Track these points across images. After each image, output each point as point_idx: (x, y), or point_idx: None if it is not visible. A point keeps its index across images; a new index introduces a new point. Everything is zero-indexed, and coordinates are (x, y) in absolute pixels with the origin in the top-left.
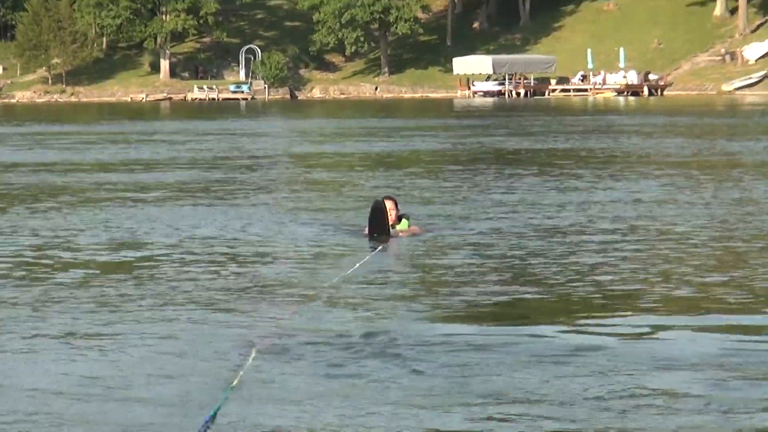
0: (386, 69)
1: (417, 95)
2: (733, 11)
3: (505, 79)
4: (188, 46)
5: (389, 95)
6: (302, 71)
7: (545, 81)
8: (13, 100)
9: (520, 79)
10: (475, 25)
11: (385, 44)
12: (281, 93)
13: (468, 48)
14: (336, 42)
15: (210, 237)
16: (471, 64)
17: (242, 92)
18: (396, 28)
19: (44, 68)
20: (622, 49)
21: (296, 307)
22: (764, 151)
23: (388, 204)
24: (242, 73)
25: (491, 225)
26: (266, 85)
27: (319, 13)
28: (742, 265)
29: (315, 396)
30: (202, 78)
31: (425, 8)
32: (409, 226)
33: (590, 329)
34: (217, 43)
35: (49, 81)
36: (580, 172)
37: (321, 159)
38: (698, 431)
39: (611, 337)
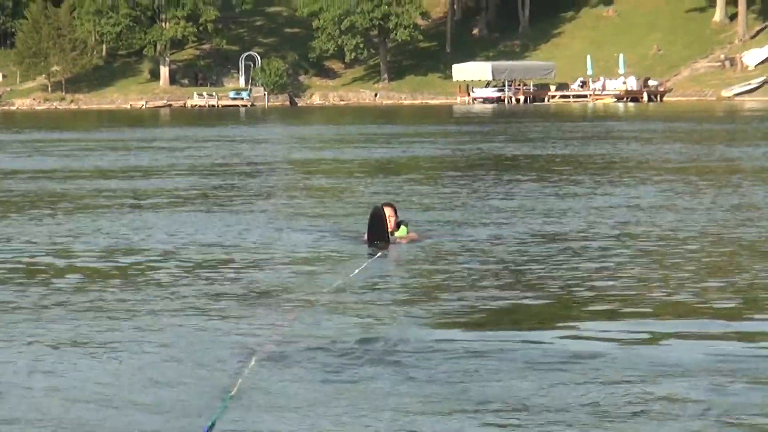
0: (386, 75)
1: (416, 102)
2: (733, 17)
3: (504, 86)
4: (188, 53)
5: (389, 102)
6: (302, 78)
7: (545, 87)
8: (13, 108)
9: (519, 85)
10: (475, 31)
11: (384, 51)
12: (281, 100)
13: (467, 54)
14: (335, 49)
15: (209, 243)
16: (470, 71)
17: (242, 99)
18: (395, 34)
19: (44, 76)
20: (621, 56)
21: (295, 314)
22: (763, 156)
23: (388, 211)
24: (242, 79)
25: (490, 231)
26: (266, 92)
27: (319, 19)
28: (740, 270)
29: (314, 403)
30: (201, 85)
31: (425, 15)
32: (407, 233)
33: (589, 335)
34: (217, 50)
35: (49, 88)
36: (579, 178)
37: (320, 165)
38: None
39: (610, 342)
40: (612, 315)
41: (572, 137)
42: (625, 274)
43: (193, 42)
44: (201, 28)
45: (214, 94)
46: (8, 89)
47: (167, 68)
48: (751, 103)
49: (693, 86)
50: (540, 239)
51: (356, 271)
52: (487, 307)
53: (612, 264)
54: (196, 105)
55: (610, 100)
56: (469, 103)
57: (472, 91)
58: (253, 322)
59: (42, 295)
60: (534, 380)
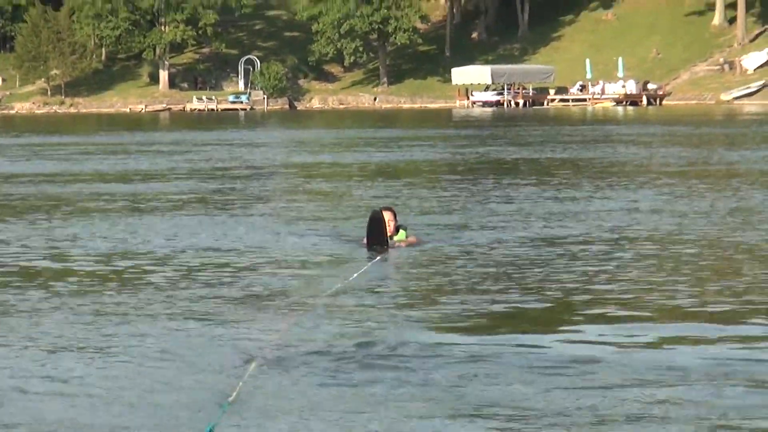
0: (385, 79)
1: (416, 105)
2: (732, 21)
3: (503, 89)
4: (187, 56)
5: (388, 105)
6: (301, 82)
7: (544, 91)
8: (12, 112)
9: (518, 89)
10: (474, 35)
11: (383, 54)
12: (280, 103)
13: (467, 58)
14: (335, 52)
15: (208, 247)
16: (470, 75)
17: (241, 103)
18: (395, 38)
19: (43, 79)
20: (620, 59)
21: (295, 318)
22: (762, 160)
23: (387, 215)
24: (241, 83)
25: (489, 235)
26: (265, 96)
27: (318, 23)
28: (739, 274)
29: (313, 407)
30: (201, 89)
31: (424, 19)
32: (406, 237)
33: (588, 339)
34: (216, 53)
35: (48, 92)
36: (578, 181)
37: (320, 169)
38: None
39: (608, 346)
40: (611, 319)
41: (571, 141)
42: (623, 277)
43: (193, 46)
44: (200, 32)
45: (213, 97)
46: (8, 93)
47: (167, 72)
48: (750, 106)
49: (692, 90)
50: (539, 243)
51: (355, 274)
52: (486, 310)
53: (611, 268)
54: (195, 109)
55: (610, 104)
56: (468, 106)
57: (472, 95)
58: (253, 327)
59: (40, 299)
60: (533, 384)
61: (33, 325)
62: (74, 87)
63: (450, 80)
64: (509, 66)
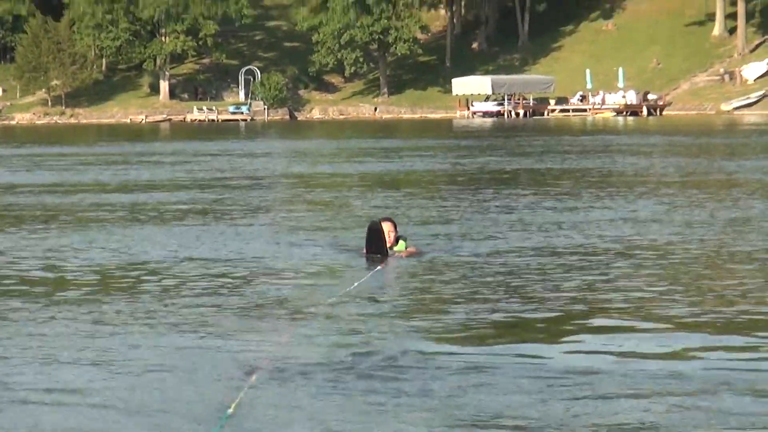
0: (385, 90)
1: (416, 116)
2: (732, 31)
3: (504, 100)
4: (187, 67)
5: (388, 116)
6: (301, 92)
7: (544, 101)
8: (13, 122)
9: (519, 99)
10: (474, 45)
11: (384, 65)
12: (280, 114)
13: (467, 68)
14: (335, 63)
15: (207, 257)
16: (470, 85)
17: (241, 113)
18: (395, 48)
19: (44, 90)
20: (620, 69)
21: (294, 328)
22: (761, 170)
23: (387, 226)
24: (241, 94)
25: (489, 245)
26: (265, 106)
27: (318, 33)
28: (739, 284)
29: (312, 418)
30: (201, 99)
31: (424, 29)
32: (406, 247)
33: (588, 349)
34: (217, 64)
35: (49, 103)
36: (578, 191)
37: (320, 179)
38: None
39: (608, 356)
40: (610, 329)
41: (572, 151)
42: (623, 287)
43: (193, 56)
44: (201, 43)
45: (213, 108)
46: (8, 104)
47: (167, 82)
48: (750, 116)
49: (692, 100)
50: (538, 253)
51: (355, 284)
52: (485, 321)
53: (610, 277)
54: (195, 119)
55: (610, 114)
56: (468, 117)
57: (472, 105)
58: (252, 337)
59: (39, 309)
60: (532, 395)
61: (31, 335)
62: (75, 97)
63: (450, 90)
64: (509, 76)
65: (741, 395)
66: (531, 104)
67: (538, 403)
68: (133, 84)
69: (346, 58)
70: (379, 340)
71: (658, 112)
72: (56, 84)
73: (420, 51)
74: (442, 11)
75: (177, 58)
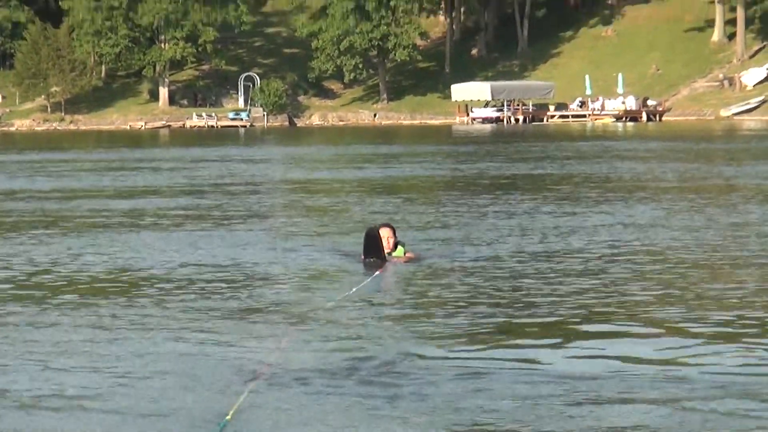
0: (385, 96)
1: (416, 122)
2: (731, 37)
3: (503, 106)
4: (187, 73)
5: (388, 122)
6: (301, 98)
7: (544, 107)
8: (12, 129)
9: (518, 105)
10: (474, 51)
11: (383, 71)
12: (280, 120)
13: (466, 74)
14: (335, 69)
15: (206, 263)
16: (469, 91)
17: (241, 119)
18: (394, 55)
19: (43, 96)
20: (620, 75)
21: (293, 334)
22: (759, 175)
23: (387, 232)
24: (241, 100)
25: (487, 250)
26: (265, 112)
27: (318, 40)
28: (737, 288)
29: (310, 424)
30: (200, 105)
31: (423, 35)
32: (405, 253)
33: (586, 354)
34: (216, 70)
35: (48, 109)
36: (578, 197)
37: (319, 185)
38: None
39: (607, 361)
40: (608, 334)
41: (571, 157)
42: (621, 292)
43: (192, 63)
44: (200, 49)
45: (213, 114)
46: (7, 110)
47: (166, 89)
48: (749, 122)
49: (692, 106)
50: (537, 258)
51: (353, 290)
52: (483, 326)
53: (609, 282)
54: (195, 125)
55: (609, 120)
56: (468, 123)
57: (471, 111)
58: (250, 342)
59: (38, 315)
60: (529, 400)
61: (29, 341)
62: (74, 104)
63: (450, 96)
64: (509, 82)
65: (738, 399)
66: (530, 110)
67: (536, 408)
68: (133, 90)
69: (345, 65)
70: (377, 345)
71: (657, 118)
72: (56, 90)
73: (419, 57)
74: (442, 17)
75: (176, 65)
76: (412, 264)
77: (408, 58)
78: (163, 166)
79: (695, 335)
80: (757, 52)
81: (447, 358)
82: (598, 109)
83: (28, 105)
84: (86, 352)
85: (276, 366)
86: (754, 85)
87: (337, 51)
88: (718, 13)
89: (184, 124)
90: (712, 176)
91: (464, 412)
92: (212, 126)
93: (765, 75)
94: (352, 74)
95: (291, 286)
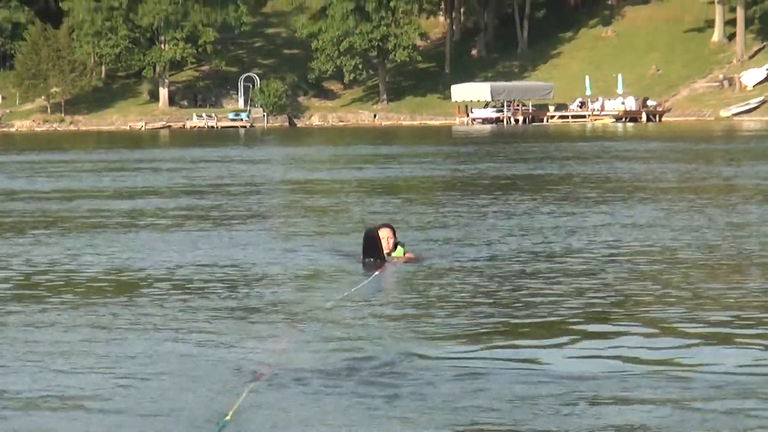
0: (385, 96)
1: (415, 122)
2: (731, 37)
3: (503, 106)
4: (187, 74)
5: (388, 122)
6: (301, 99)
7: (543, 108)
8: (12, 129)
9: (518, 105)
10: (474, 52)
11: (383, 72)
12: (280, 120)
13: (466, 75)
14: (334, 69)
15: (206, 263)
16: (469, 91)
17: (241, 120)
18: (394, 55)
19: (43, 97)
20: (620, 76)
21: (292, 334)
22: (758, 176)
23: (387, 232)
24: (241, 101)
25: (487, 250)
26: (265, 113)
27: (318, 40)
28: (736, 288)
29: (309, 424)
30: (200, 106)
31: (423, 36)
32: (404, 254)
33: (585, 354)
34: (216, 71)
35: (48, 110)
36: (577, 197)
37: (319, 186)
38: None
39: (606, 361)
40: (608, 334)
41: (570, 157)
42: (620, 293)
43: (192, 63)
44: (200, 50)
45: (213, 115)
46: (8, 111)
47: (166, 89)
48: (749, 122)
49: (692, 106)
50: (537, 258)
51: (353, 290)
52: (483, 326)
53: (608, 283)
54: (195, 126)
55: (609, 121)
56: (468, 123)
57: (471, 112)
58: (250, 343)
59: (37, 315)
60: (529, 400)
61: (29, 340)
62: (74, 105)
63: (450, 97)
64: (509, 83)
65: (738, 398)
66: (530, 111)
67: (535, 408)
68: (133, 91)
69: (345, 65)
70: (376, 345)
71: (657, 119)
72: (56, 91)
73: (419, 58)
74: (442, 18)
75: (176, 65)
76: (411, 264)
77: (408, 59)
78: (163, 166)
79: (695, 335)
80: (756, 52)
81: (447, 358)
82: (598, 110)
83: (28, 106)
84: (86, 352)
85: (275, 366)
86: (753, 86)
87: (337, 52)
88: (718, 14)
89: (184, 125)
90: (711, 176)
91: (464, 412)
92: (212, 126)
93: (765, 75)
94: (352, 75)
95: (290, 287)
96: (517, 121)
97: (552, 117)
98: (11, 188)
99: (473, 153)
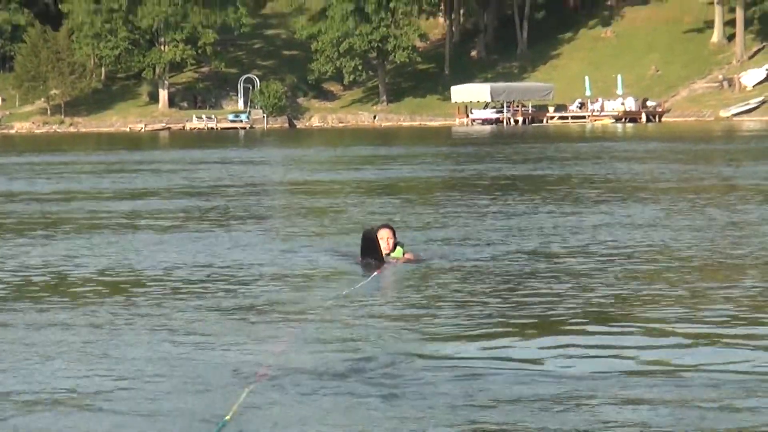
0: (384, 97)
1: (415, 123)
2: (731, 38)
3: (503, 107)
4: (186, 75)
5: (388, 124)
6: (300, 100)
7: (543, 108)
8: (12, 131)
9: (518, 106)
10: (473, 53)
11: (383, 73)
12: (280, 122)
13: (466, 76)
14: (334, 71)
15: (205, 264)
16: (469, 92)
17: (241, 121)
18: (394, 56)
19: (43, 99)
20: (619, 76)
21: (291, 335)
22: (758, 176)
23: (387, 232)
24: (241, 102)
25: (487, 251)
26: (265, 114)
27: (317, 42)
28: (734, 288)
29: (308, 424)
30: (200, 107)
31: (423, 37)
32: (403, 254)
33: (585, 354)
34: (216, 72)
35: (48, 112)
36: (577, 197)
37: (318, 186)
38: None
39: (607, 361)
40: (607, 335)
41: (570, 158)
42: (620, 293)
43: (192, 65)
44: (200, 51)
45: (213, 116)
46: (7, 113)
47: (166, 91)
48: (749, 123)
49: (691, 107)
50: (536, 259)
51: (351, 289)
52: (482, 326)
53: (608, 283)
54: (195, 128)
55: (609, 121)
56: (467, 124)
57: (471, 113)
58: (249, 343)
59: (37, 315)
60: (528, 401)
61: (29, 341)
62: (74, 106)
63: (449, 98)
64: (508, 84)
65: (738, 398)
66: (530, 111)
67: (535, 408)
68: (132, 93)
69: (345, 66)
70: (376, 346)
71: (656, 119)
72: (55, 93)
73: (419, 59)
74: (441, 19)
75: (176, 67)
76: (410, 264)
77: (407, 60)
78: (163, 168)
79: (694, 335)
80: (756, 52)
81: (447, 358)
82: (598, 111)
83: (28, 108)
84: (85, 352)
85: (275, 366)
86: (753, 86)
87: (336, 53)
88: (718, 14)
89: (183, 126)
90: (711, 177)
91: (464, 412)
92: (212, 128)
93: (764, 76)
94: (352, 76)
95: (290, 287)
96: (516, 121)
97: (552, 118)
98: (11, 190)
99: (473, 154)
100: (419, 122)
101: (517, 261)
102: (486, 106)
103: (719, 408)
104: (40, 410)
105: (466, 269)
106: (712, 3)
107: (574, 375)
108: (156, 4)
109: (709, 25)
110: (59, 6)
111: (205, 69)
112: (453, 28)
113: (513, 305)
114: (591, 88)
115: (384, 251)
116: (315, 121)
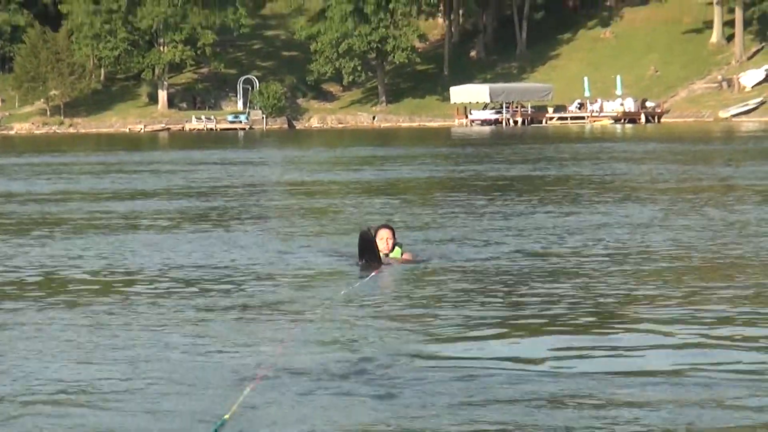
0: (384, 98)
1: (414, 124)
2: (730, 38)
3: (502, 108)
4: (186, 76)
5: (387, 124)
6: (300, 101)
7: (542, 109)
8: (12, 132)
9: (517, 107)
10: (472, 54)
11: (382, 73)
12: (279, 123)
13: (465, 77)
14: (333, 71)
15: (203, 264)
16: (468, 93)
17: (240, 122)
18: (393, 57)
19: (42, 100)
20: (618, 77)
21: (290, 334)
22: (757, 176)
23: (386, 233)
24: (240, 103)
25: (486, 251)
26: (264, 115)
27: (317, 42)
28: (733, 287)
29: (307, 424)
30: (200, 108)
31: (422, 38)
32: (402, 254)
33: (584, 354)
34: (215, 73)
35: (48, 112)
36: (576, 198)
37: (317, 187)
38: None
39: (605, 361)
40: (607, 334)
41: (569, 159)
42: (620, 293)
43: (191, 66)
44: (199, 52)
45: (212, 117)
46: (7, 114)
47: (165, 92)
48: (748, 123)
49: (690, 107)
50: (535, 259)
51: (349, 290)
52: (482, 326)
53: (607, 283)
54: (194, 128)
55: (608, 122)
56: (467, 125)
57: (470, 114)
58: (248, 343)
59: (36, 315)
60: (527, 401)
61: (28, 341)
62: (73, 107)
63: (448, 99)
64: (508, 84)
65: (738, 398)
66: (529, 112)
67: (535, 408)
68: (132, 93)
69: (344, 67)
70: (375, 345)
71: (656, 120)
72: (55, 94)
73: (418, 59)
74: (440, 20)
75: (175, 68)
76: (409, 264)
77: (407, 61)
78: (162, 168)
79: (694, 335)
80: (755, 53)
81: (446, 358)
82: (597, 111)
83: (28, 108)
84: (85, 352)
85: (274, 366)
86: (752, 87)
87: (335, 54)
88: (717, 15)
89: (183, 127)
90: (709, 177)
91: (463, 412)
92: (211, 129)
93: (763, 76)
94: (351, 77)
95: (289, 287)
96: (516, 122)
97: (551, 118)
98: (10, 190)
99: (472, 154)
100: (418, 123)
101: (516, 261)
102: (485, 106)
103: (719, 408)
104: (40, 410)
105: (465, 269)
106: (711, 3)
107: (573, 375)
108: (155, 5)
109: (708, 25)
110: (59, 7)
111: (204, 70)
112: (452, 29)
113: (511, 305)
114: (590, 89)
115: (383, 251)
116: (314, 122)
